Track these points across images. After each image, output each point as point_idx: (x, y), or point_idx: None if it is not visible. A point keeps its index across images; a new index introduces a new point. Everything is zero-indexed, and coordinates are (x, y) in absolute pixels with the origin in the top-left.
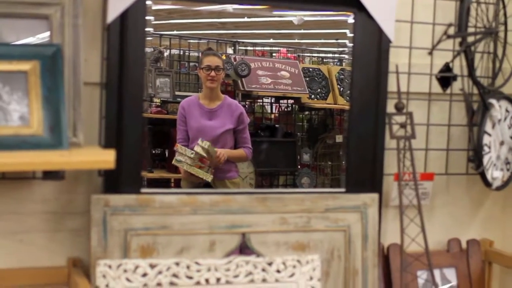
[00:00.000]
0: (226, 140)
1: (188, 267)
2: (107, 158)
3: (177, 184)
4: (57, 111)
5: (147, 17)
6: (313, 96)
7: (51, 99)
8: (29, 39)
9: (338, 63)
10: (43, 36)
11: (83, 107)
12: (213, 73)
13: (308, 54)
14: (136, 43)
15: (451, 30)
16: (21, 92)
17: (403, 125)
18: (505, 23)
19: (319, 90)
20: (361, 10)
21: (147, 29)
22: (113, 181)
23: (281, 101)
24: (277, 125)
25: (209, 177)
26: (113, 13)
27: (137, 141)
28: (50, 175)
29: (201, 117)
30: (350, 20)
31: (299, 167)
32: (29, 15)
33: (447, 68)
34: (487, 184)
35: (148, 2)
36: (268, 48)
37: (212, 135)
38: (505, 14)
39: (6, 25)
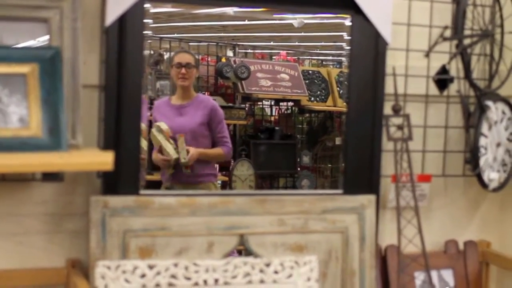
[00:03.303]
0: (200, 138)
1: (186, 268)
2: (105, 159)
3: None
4: (56, 113)
5: (145, 20)
6: (312, 99)
7: (50, 102)
8: (29, 42)
9: (337, 66)
10: (42, 39)
11: (82, 109)
12: (183, 70)
13: (308, 57)
14: (135, 46)
15: (447, 33)
16: (20, 94)
17: (400, 127)
18: (502, 26)
19: (318, 92)
20: (358, 12)
21: (145, 32)
22: (112, 183)
23: (281, 103)
24: (277, 127)
25: (174, 155)
26: (111, 16)
27: (136, 143)
28: (50, 176)
29: (172, 115)
30: (347, 22)
31: (298, 169)
32: (28, 18)
33: (444, 70)
34: (484, 185)
35: (146, 5)
36: (268, 51)
37: (183, 131)
38: (501, 17)
39: (5, 28)
